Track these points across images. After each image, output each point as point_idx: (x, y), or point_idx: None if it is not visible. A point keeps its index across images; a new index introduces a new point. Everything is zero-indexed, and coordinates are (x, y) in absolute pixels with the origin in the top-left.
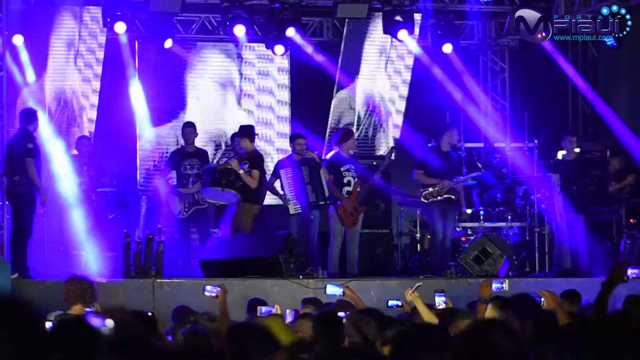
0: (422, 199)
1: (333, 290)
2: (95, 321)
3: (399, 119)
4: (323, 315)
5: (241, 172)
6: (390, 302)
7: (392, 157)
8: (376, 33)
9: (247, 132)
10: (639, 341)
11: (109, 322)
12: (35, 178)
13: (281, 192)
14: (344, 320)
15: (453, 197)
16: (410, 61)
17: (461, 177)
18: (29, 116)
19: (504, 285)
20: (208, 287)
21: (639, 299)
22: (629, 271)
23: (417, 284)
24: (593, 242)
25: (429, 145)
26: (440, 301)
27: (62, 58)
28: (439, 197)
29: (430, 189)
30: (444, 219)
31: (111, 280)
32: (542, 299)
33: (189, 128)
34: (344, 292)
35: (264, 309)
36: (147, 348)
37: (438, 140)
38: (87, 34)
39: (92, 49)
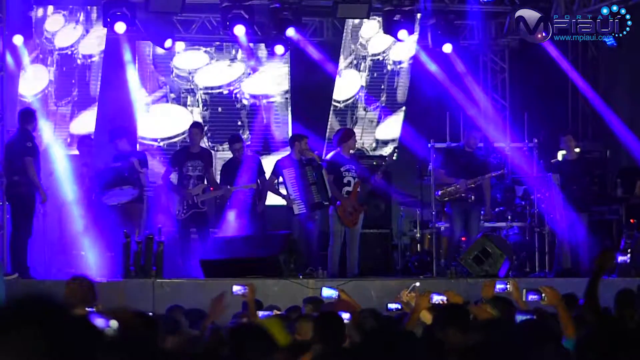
0: (437, 199)
1: (328, 292)
2: (99, 322)
3: (399, 119)
4: (323, 316)
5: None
6: (390, 306)
7: (394, 158)
8: (376, 32)
9: (119, 133)
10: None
11: (113, 323)
12: (35, 177)
13: (284, 192)
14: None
15: (471, 196)
16: (410, 61)
17: (479, 177)
18: (28, 116)
19: (508, 286)
20: (235, 288)
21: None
22: (619, 258)
23: (413, 285)
24: (593, 242)
25: (454, 144)
26: (438, 299)
27: (61, 58)
28: (455, 197)
29: (446, 189)
30: (465, 219)
31: (111, 280)
32: (543, 295)
33: (195, 129)
34: (339, 295)
35: (260, 313)
36: (152, 349)
37: (461, 140)
38: (86, 33)
39: (91, 49)
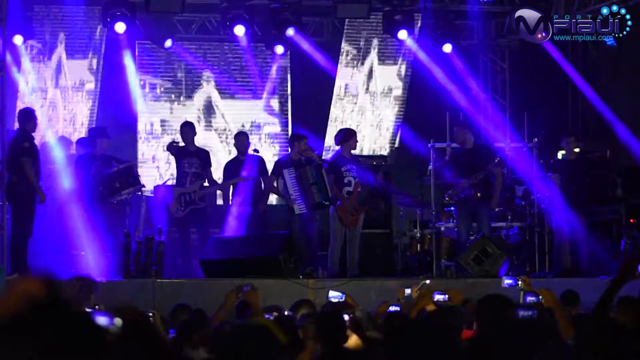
0: (445, 202)
1: (335, 294)
2: (102, 320)
3: (399, 119)
4: (325, 315)
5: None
6: (391, 308)
7: (395, 158)
8: (376, 32)
9: (100, 133)
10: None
11: (117, 321)
12: (32, 177)
13: (283, 192)
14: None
15: (477, 193)
16: (410, 61)
17: (479, 172)
18: (27, 116)
19: (519, 282)
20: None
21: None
22: None
23: (423, 282)
24: (593, 242)
25: (454, 145)
26: (440, 298)
27: (62, 58)
28: (460, 196)
29: (451, 192)
30: (473, 219)
31: (111, 280)
32: (540, 297)
33: (187, 127)
34: (345, 299)
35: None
36: (156, 347)
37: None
38: (87, 33)
39: (91, 49)
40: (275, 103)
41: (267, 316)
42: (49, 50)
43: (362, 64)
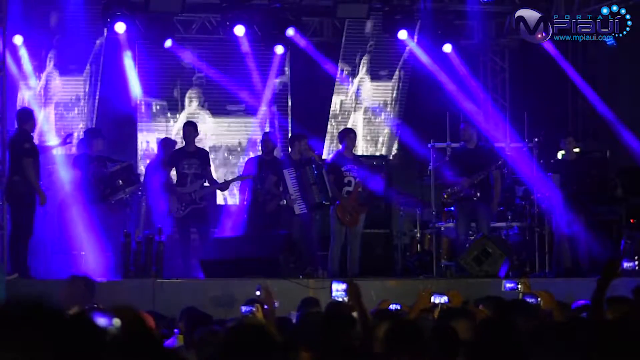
0: (443, 201)
1: (338, 293)
2: (101, 320)
3: (398, 119)
4: (327, 314)
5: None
6: (391, 306)
7: (395, 159)
8: (376, 32)
9: (96, 134)
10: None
11: (116, 322)
12: (33, 178)
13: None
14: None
15: (476, 193)
16: (410, 61)
17: (480, 172)
18: (26, 116)
19: (519, 285)
20: (257, 293)
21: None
22: (625, 264)
23: (429, 288)
24: (593, 242)
25: (455, 144)
26: (440, 300)
27: (62, 58)
28: (460, 195)
29: (450, 190)
30: (472, 219)
31: (111, 280)
32: (539, 299)
33: (190, 127)
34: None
35: (244, 308)
36: (156, 348)
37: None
38: (87, 34)
39: (91, 49)
40: (275, 103)
41: (246, 311)
42: (45, 58)
43: (362, 63)
